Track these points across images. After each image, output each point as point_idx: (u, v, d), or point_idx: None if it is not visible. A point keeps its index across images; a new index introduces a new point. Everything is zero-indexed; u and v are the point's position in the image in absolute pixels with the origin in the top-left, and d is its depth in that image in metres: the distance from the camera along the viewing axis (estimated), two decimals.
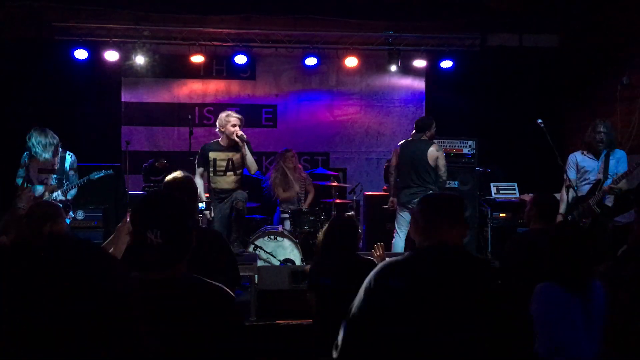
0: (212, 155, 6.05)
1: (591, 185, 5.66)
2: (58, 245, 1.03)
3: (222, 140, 6.05)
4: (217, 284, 1.95)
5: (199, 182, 6.14)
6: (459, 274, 2.11)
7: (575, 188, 5.66)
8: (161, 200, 2.00)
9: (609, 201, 5.62)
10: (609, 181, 5.54)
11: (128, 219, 3.16)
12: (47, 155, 5.47)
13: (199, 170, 6.11)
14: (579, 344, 2.76)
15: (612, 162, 5.67)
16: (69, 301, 0.94)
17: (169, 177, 3.18)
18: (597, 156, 5.72)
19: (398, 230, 6.36)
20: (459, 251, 2.20)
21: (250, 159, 5.97)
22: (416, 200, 6.29)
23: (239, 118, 6.00)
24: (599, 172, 5.69)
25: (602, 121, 5.77)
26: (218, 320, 1.85)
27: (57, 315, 0.93)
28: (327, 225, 3.94)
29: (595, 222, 5.48)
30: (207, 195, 6.34)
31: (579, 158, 5.82)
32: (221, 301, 1.91)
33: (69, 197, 5.65)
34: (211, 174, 6.08)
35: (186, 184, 3.16)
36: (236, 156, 6.01)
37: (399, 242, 6.35)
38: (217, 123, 6.08)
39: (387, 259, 2.23)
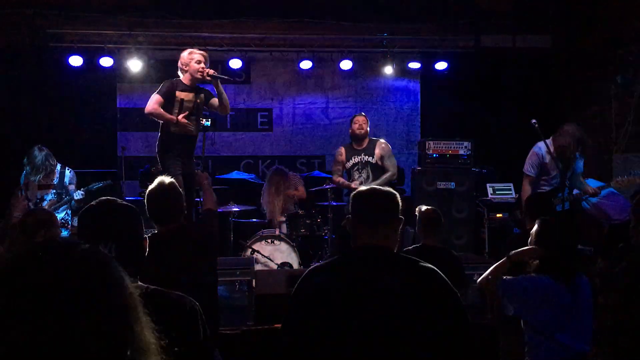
0: (180, 95, 5.15)
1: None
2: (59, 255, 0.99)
3: (184, 79, 5.22)
4: (177, 293, 1.83)
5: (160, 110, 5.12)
6: (378, 278, 1.96)
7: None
8: (114, 211, 1.85)
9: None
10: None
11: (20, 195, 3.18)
12: (33, 177, 5.48)
13: (159, 98, 5.09)
14: (567, 336, 2.82)
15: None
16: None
17: (153, 185, 3.13)
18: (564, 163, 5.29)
19: None
20: (381, 254, 2.04)
21: (226, 97, 5.27)
22: None
23: (202, 54, 5.24)
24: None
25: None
26: (180, 333, 1.82)
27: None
28: None
29: None
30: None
31: (547, 159, 5.53)
32: (182, 313, 1.78)
33: (76, 197, 5.62)
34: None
35: (172, 190, 3.15)
36: (200, 97, 5.32)
37: None
38: (179, 63, 5.27)
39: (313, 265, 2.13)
